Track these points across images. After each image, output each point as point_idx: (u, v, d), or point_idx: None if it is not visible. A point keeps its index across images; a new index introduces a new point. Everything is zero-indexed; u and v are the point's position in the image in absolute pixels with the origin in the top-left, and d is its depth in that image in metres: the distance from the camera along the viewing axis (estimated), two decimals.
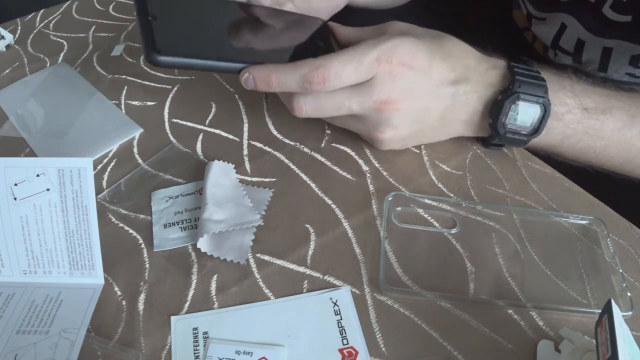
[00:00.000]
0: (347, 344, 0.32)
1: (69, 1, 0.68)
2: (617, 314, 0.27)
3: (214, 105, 0.50)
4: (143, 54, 0.36)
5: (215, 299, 0.35)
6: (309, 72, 0.36)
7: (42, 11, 0.66)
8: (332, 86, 0.37)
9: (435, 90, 0.39)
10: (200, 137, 0.47)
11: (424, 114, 0.40)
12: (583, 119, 0.40)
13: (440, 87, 0.39)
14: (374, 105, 0.38)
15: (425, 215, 0.39)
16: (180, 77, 0.54)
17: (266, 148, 0.46)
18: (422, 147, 0.45)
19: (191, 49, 0.38)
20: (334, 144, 0.46)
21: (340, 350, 0.32)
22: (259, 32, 0.42)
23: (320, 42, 0.44)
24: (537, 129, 0.40)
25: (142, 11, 0.37)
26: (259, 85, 0.38)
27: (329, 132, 0.47)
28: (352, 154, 0.45)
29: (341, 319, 0.34)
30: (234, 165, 0.43)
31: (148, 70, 0.55)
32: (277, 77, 0.37)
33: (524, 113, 0.39)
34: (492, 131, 0.41)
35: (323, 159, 0.44)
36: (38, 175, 0.34)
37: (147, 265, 0.37)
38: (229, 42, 0.41)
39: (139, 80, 0.54)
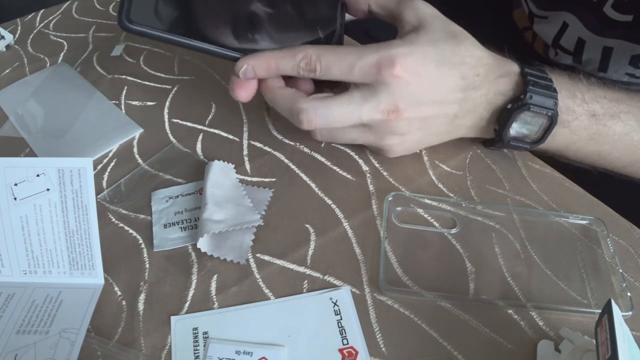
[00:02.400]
0: (347, 344, 0.32)
1: (69, 1, 0.68)
2: (617, 314, 0.27)
3: (214, 105, 0.50)
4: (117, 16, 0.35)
5: (215, 299, 0.35)
6: (303, 58, 0.38)
7: (42, 11, 0.66)
8: (322, 76, 0.38)
9: (443, 98, 0.38)
10: (200, 137, 0.47)
11: (433, 122, 0.40)
12: (590, 125, 0.40)
13: (449, 95, 0.38)
14: (382, 115, 0.37)
15: (425, 215, 0.39)
16: (180, 77, 0.54)
17: (266, 148, 0.46)
18: None
19: (167, 23, 0.37)
20: (334, 144, 0.46)
21: (340, 350, 0.32)
22: (249, 12, 0.41)
23: (323, 22, 0.42)
24: (541, 138, 0.40)
25: None
26: (258, 72, 0.39)
27: None
28: (352, 154, 0.45)
29: (341, 319, 0.34)
30: (234, 165, 0.43)
31: (148, 70, 0.55)
32: (275, 62, 0.38)
33: (531, 124, 0.39)
34: (496, 137, 0.41)
35: (323, 159, 0.44)
36: (38, 175, 0.34)
37: (147, 265, 0.37)
38: (212, 20, 0.39)
39: (139, 80, 0.54)
